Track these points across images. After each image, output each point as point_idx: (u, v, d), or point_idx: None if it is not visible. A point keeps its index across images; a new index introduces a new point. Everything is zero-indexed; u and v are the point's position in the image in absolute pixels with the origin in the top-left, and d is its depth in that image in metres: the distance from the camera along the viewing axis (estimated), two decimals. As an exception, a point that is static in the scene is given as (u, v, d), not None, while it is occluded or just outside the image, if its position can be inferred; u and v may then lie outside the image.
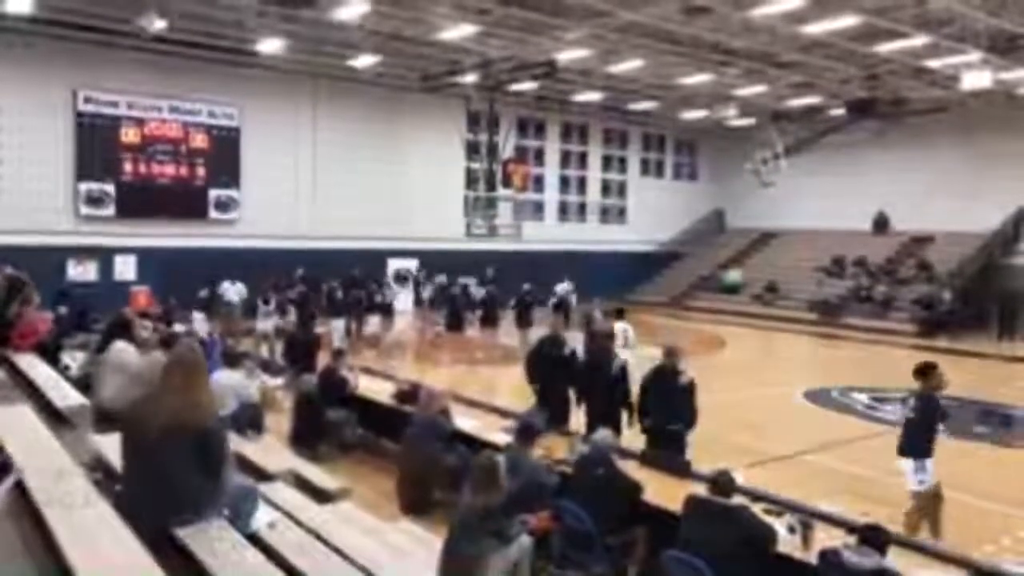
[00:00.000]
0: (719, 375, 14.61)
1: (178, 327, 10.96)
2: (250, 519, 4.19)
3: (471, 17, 16.31)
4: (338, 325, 16.73)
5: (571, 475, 6.06)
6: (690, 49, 18.38)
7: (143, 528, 3.62)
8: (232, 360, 8.19)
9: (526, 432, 6.20)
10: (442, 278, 21.09)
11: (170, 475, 3.79)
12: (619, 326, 12.51)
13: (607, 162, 29.97)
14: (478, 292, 20.84)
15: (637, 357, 10.44)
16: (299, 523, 4.58)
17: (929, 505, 6.85)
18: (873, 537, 4.36)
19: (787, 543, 4.97)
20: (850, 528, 4.92)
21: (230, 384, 7.33)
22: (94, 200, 18.86)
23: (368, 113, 23.20)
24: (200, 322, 13.53)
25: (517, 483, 5.58)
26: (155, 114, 19.64)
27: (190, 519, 3.80)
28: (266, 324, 14.82)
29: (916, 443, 7.05)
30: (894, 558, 4.60)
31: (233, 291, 16.53)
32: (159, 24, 15.49)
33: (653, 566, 5.21)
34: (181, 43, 18.54)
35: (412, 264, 23.44)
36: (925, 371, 7.22)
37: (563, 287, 20.90)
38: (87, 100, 18.74)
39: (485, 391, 12.71)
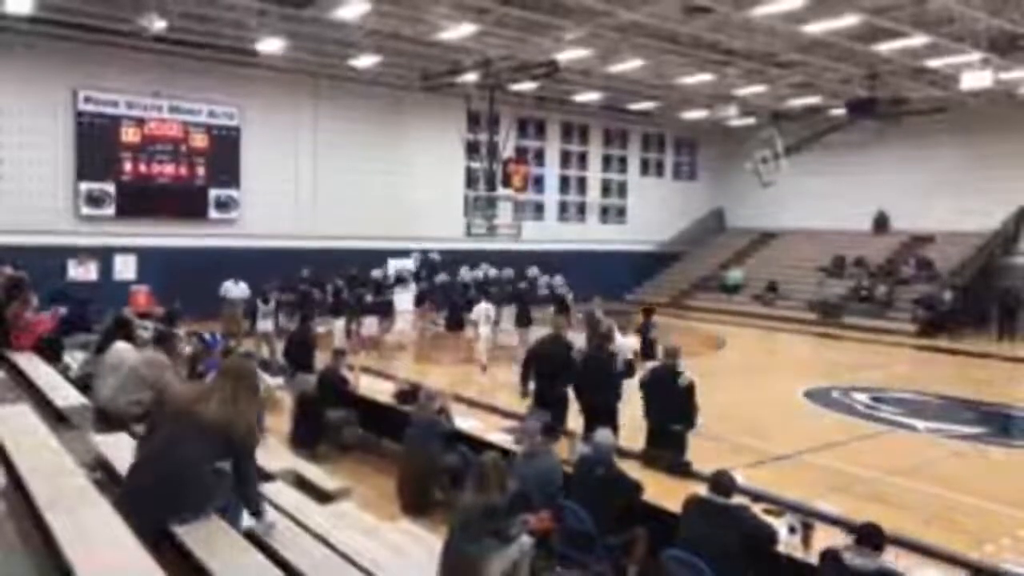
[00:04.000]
0: (719, 375, 14.61)
1: (180, 329, 10.94)
2: (241, 513, 4.19)
3: (471, 17, 16.30)
4: (338, 325, 16.73)
5: (571, 475, 6.06)
6: (690, 49, 18.37)
7: (143, 517, 3.65)
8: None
9: (548, 431, 6.23)
10: (443, 276, 21.04)
11: (185, 470, 3.83)
12: (483, 306, 15.39)
13: (607, 162, 29.95)
14: (471, 275, 20.71)
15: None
16: (299, 523, 4.58)
17: None
18: (870, 536, 4.35)
19: (787, 543, 4.97)
20: (848, 528, 4.92)
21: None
22: (94, 200, 18.84)
23: (368, 113, 23.19)
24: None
25: (527, 479, 5.60)
26: (155, 114, 19.61)
27: (189, 517, 3.81)
28: (266, 324, 14.81)
29: None
30: (894, 558, 4.61)
31: (236, 290, 16.50)
32: (159, 24, 15.47)
33: (653, 566, 5.21)
34: (181, 43, 18.52)
35: (410, 263, 23.39)
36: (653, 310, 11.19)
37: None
38: (87, 100, 18.71)
39: (485, 391, 12.72)
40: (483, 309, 15.32)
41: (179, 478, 3.82)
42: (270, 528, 4.18)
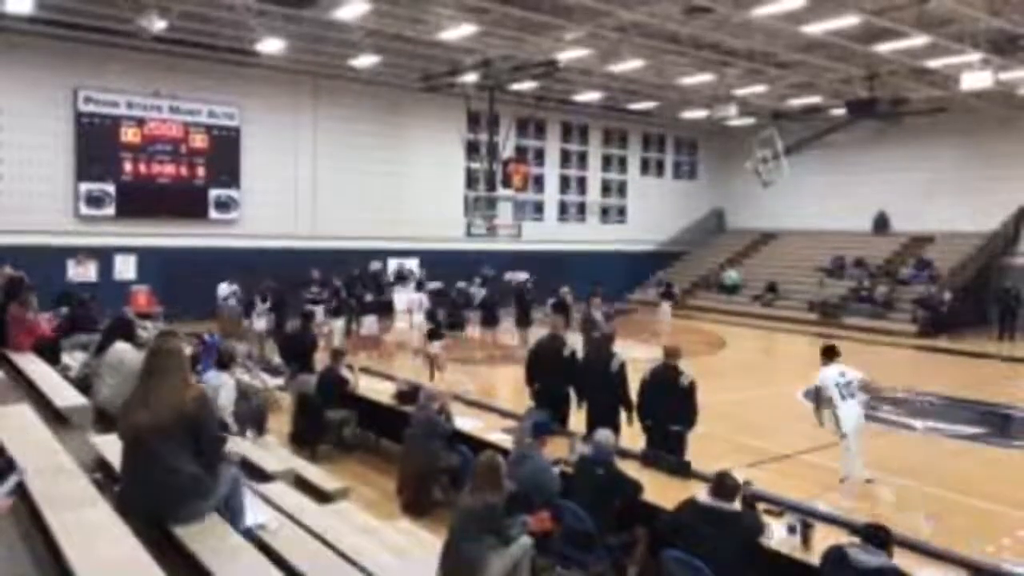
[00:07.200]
0: (719, 375, 14.61)
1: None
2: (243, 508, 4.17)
3: (471, 17, 16.29)
4: (338, 325, 16.74)
5: (571, 475, 6.06)
6: (690, 49, 18.36)
7: (142, 521, 3.64)
8: (224, 362, 7.91)
9: (538, 430, 6.22)
10: (437, 284, 21.04)
11: (162, 465, 3.81)
12: (414, 296, 16.97)
13: (607, 162, 29.96)
14: (478, 292, 20.80)
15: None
16: (299, 523, 4.59)
17: None
18: (878, 536, 4.36)
19: (787, 543, 4.96)
20: (853, 528, 4.91)
21: (219, 387, 7.11)
22: (94, 200, 18.85)
23: (368, 113, 23.19)
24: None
25: (521, 481, 5.59)
26: (155, 114, 19.61)
27: (186, 515, 3.81)
28: (260, 323, 14.85)
29: None
30: (894, 558, 4.60)
31: (230, 292, 16.50)
32: (159, 24, 15.47)
33: (653, 566, 5.21)
34: (181, 43, 18.53)
35: (413, 264, 23.41)
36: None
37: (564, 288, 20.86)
38: (87, 100, 18.71)
39: (485, 391, 12.71)
40: (415, 299, 16.56)
41: (165, 482, 3.80)
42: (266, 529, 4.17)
